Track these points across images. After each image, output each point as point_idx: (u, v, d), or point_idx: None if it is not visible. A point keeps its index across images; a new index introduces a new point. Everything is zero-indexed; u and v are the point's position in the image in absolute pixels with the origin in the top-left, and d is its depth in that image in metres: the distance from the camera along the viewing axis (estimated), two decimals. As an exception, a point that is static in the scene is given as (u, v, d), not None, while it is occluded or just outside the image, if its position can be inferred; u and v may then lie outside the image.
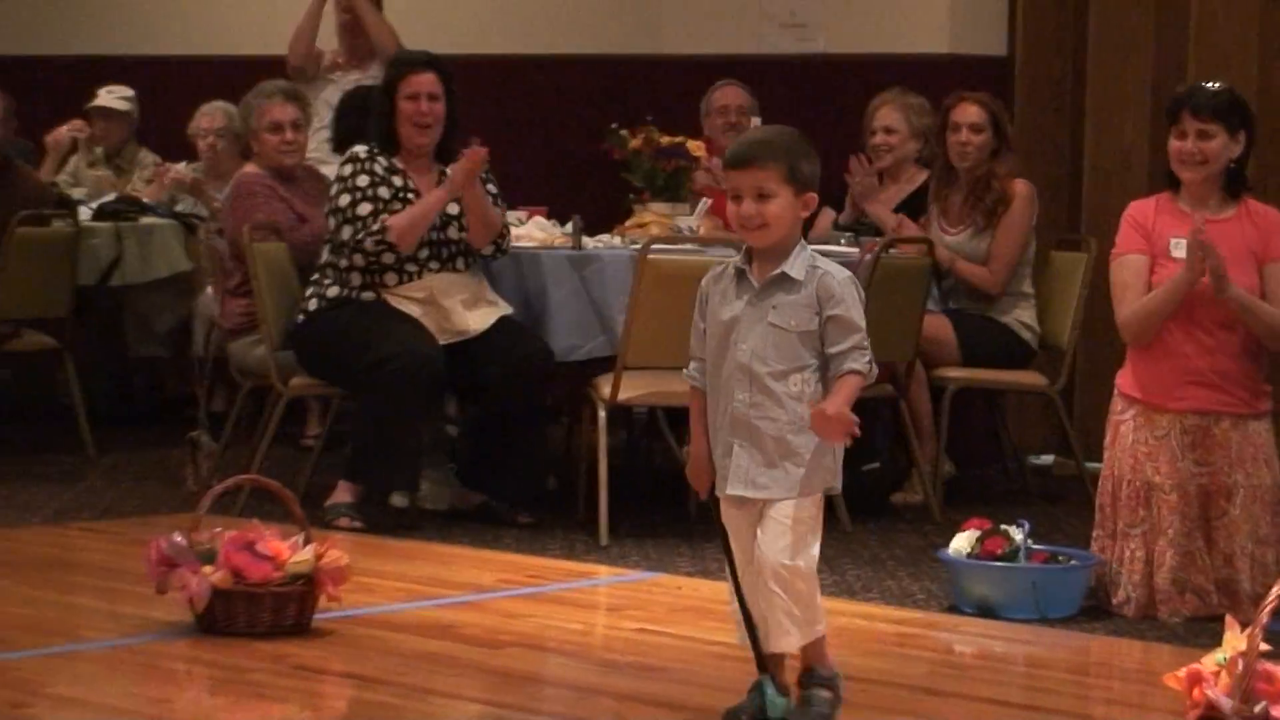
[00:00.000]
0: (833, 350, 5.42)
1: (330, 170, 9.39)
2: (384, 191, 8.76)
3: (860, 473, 9.18)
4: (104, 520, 8.87)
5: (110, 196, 11.03)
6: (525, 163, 9.13)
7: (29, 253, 10.00)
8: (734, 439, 5.46)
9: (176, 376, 11.36)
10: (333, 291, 8.85)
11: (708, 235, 9.17)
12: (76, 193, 11.14)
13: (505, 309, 8.85)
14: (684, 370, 5.66)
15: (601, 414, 8.59)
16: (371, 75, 10.86)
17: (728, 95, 10.39)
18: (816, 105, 10.70)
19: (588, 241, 9.12)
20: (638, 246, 8.75)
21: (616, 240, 9.23)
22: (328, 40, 11.37)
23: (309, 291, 8.93)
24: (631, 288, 8.55)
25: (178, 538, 6.89)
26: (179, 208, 11.00)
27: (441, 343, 8.64)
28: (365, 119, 9.07)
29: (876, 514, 9.09)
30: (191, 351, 10.88)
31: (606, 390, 8.58)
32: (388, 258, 8.75)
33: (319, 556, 6.85)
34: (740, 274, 5.49)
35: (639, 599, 7.68)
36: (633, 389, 8.65)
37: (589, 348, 8.83)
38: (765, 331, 5.43)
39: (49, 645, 6.83)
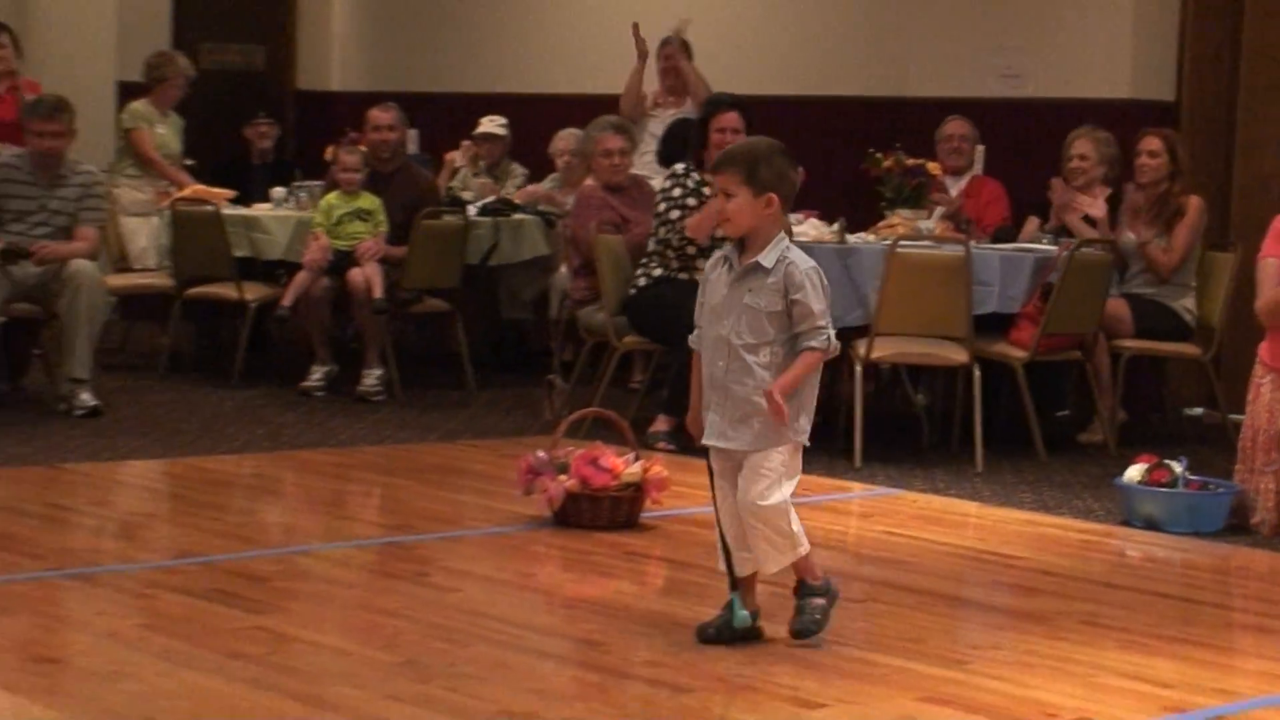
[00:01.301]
0: (796, 330, 5.21)
1: (657, 182, 9.54)
2: (692, 201, 8.88)
3: (1054, 418, 9.24)
4: (483, 439, 9.02)
5: (490, 199, 11.21)
6: (804, 177, 9.18)
7: (429, 239, 10.21)
8: (712, 398, 5.30)
9: (537, 334, 11.50)
10: (656, 272, 8.99)
11: (940, 235, 9.18)
12: (465, 195, 11.32)
13: (787, 287, 8.92)
14: (690, 337, 5.44)
15: (858, 368, 8.63)
16: (685, 110, 10.98)
17: (954, 126, 10.36)
18: (1026, 138, 10.66)
19: (850, 238, 9.17)
20: (888, 243, 8.80)
21: (871, 237, 9.25)
22: (649, 80, 11.48)
23: (638, 272, 9.07)
24: (883, 273, 8.61)
25: (541, 453, 7.06)
26: (540, 207, 11.15)
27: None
28: (684, 144, 9.20)
29: (1066, 450, 9.05)
30: (548, 315, 11.03)
31: (862, 350, 8.64)
32: (691, 249, 8.87)
33: (646, 470, 6.99)
34: (728, 261, 5.30)
35: (884, 509, 7.72)
36: (882, 349, 8.71)
37: (849, 318, 8.84)
38: (741, 310, 5.23)
39: (443, 530, 7.02)
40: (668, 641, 5.41)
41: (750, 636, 5.36)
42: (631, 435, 7.20)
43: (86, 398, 9.14)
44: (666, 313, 8.75)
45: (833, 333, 5.27)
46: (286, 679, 4.88)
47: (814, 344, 5.21)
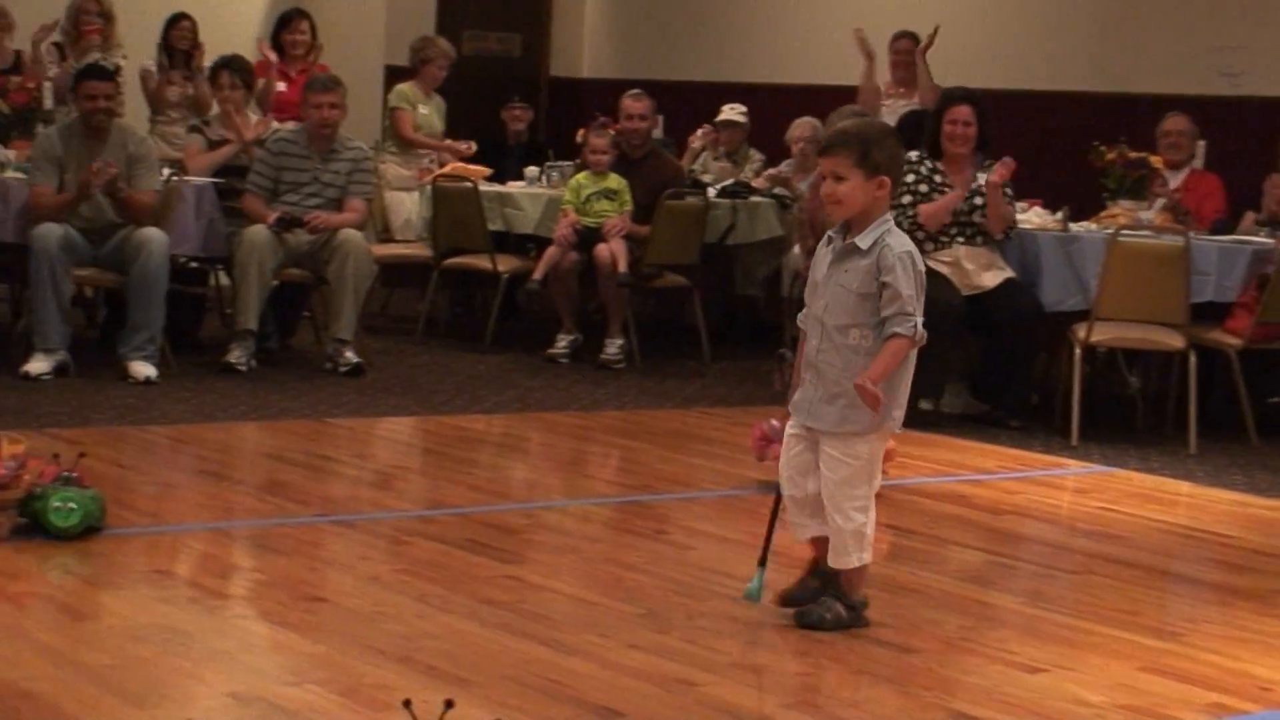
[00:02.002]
0: (883, 314, 4.83)
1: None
2: (923, 188, 8.77)
3: (1266, 404, 9.02)
4: (716, 408, 9.02)
5: (729, 182, 11.18)
6: (1029, 168, 9.04)
7: (671, 218, 10.19)
8: (806, 375, 4.97)
9: (768, 310, 11.47)
10: (886, 254, 8.91)
11: (1160, 225, 8.99)
12: (705, 178, 11.30)
13: (1010, 272, 8.79)
14: (799, 316, 5.11)
15: (1077, 351, 8.49)
16: (915, 102, 10.91)
17: (1174, 123, 10.10)
18: (1244, 134, 10.41)
19: (1073, 226, 9.02)
20: (1109, 232, 8.63)
21: (1093, 226, 9.10)
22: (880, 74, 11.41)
23: (870, 254, 9.00)
24: (1103, 261, 8.45)
25: (774, 422, 7.00)
26: (776, 190, 11.10)
27: (963, 294, 8.63)
28: (917, 133, 9.08)
29: (1278, 435, 8.83)
30: (780, 293, 10.99)
31: (1081, 334, 8.49)
32: (920, 234, 8.77)
33: (873, 441, 6.92)
34: (833, 241, 4.97)
35: (1100, 485, 7.57)
36: (1101, 334, 8.54)
37: (1069, 303, 8.74)
38: (836, 291, 4.89)
39: (679, 492, 7.02)
40: (893, 604, 5.36)
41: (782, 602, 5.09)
42: (861, 408, 7.13)
43: (350, 357, 9.27)
44: (895, 293, 8.70)
45: (920, 320, 4.86)
46: (535, 625, 4.90)
47: (901, 330, 4.81)
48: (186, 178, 9.44)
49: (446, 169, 10.86)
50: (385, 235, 11.14)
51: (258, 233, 9.22)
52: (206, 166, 9.83)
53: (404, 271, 11.39)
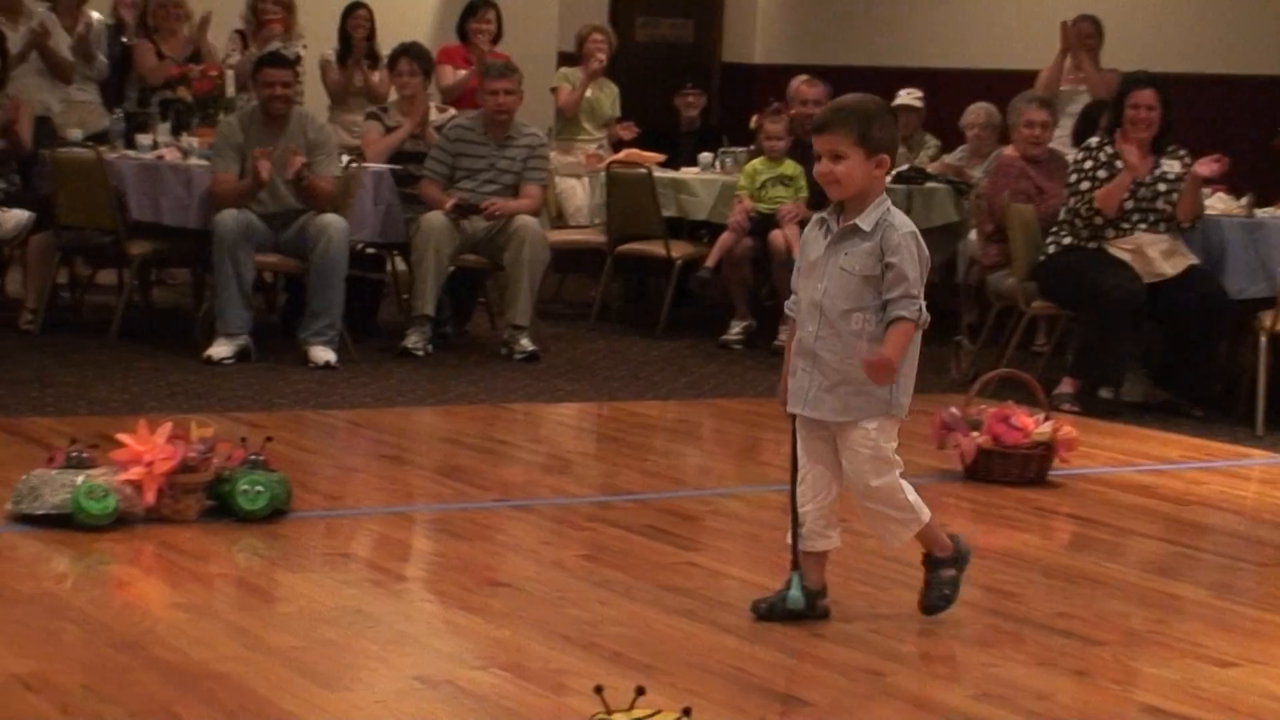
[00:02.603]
0: (886, 296, 4.60)
1: (1071, 155, 9.33)
2: (1102, 173, 8.63)
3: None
4: (892, 395, 8.95)
5: (904, 167, 11.08)
6: (1213, 153, 8.87)
7: (846, 204, 10.12)
8: (798, 363, 4.72)
9: (943, 297, 11.34)
10: (1066, 240, 8.77)
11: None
12: (881, 163, 11.20)
13: (1193, 259, 8.64)
14: (786, 303, 4.87)
15: (1262, 339, 8.31)
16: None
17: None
18: None
19: (1258, 212, 8.85)
20: (1296, 217, 8.48)
21: (1279, 212, 8.94)
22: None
23: (1048, 240, 8.87)
24: (1290, 247, 8.30)
25: (954, 410, 6.96)
26: (950, 177, 10.99)
27: (1145, 281, 8.49)
28: (1096, 122, 8.96)
29: None
30: (955, 279, 10.88)
31: (1267, 322, 8.31)
32: (1098, 220, 8.63)
33: (1055, 430, 6.84)
34: (826, 224, 4.70)
35: (1287, 477, 7.45)
36: (1287, 322, 8.38)
37: (1253, 290, 8.57)
38: (836, 274, 4.62)
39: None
40: (1077, 595, 5.29)
41: (807, 616, 4.81)
42: (1043, 396, 7.04)
43: (526, 343, 9.31)
44: (1074, 280, 8.60)
45: (924, 304, 4.67)
46: (717, 612, 4.89)
47: (905, 313, 4.60)
48: (365, 164, 9.53)
49: (620, 155, 10.87)
50: (559, 221, 11.18)
51: (435, 219, 9.29)
52: (383, 151, 9.92)
53: (576, 257, 11.43)
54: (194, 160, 9.18)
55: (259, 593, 4.96)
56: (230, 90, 10.07)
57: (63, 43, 10.21)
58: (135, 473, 5.46)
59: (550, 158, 11.05)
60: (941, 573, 4.88)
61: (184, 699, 3.97)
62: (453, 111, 10.43)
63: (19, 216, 7.87)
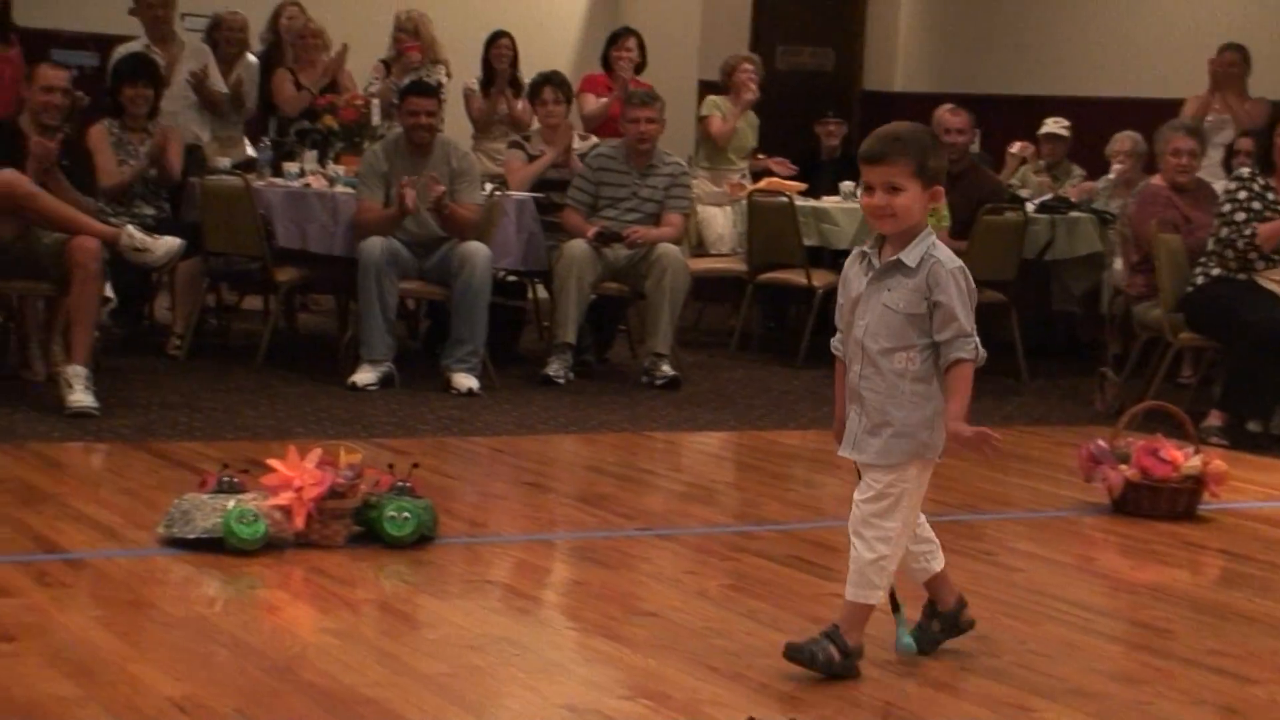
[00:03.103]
0: (939, 338, 4.39)
1: (1220, 185, 9.22)
2: (1257, 205, 8.53)
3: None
4: (1035, 426, 8.88)
5: (1047, 196, 11.02)
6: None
7: (990, 234, 10.05)
8: (851, 406, 4.54)
9: (1085, 327, 11.27)
10: (1215, 271, 8.67)
11: None
12: (1023, 193, 11.14)
13: (1345, 291, 8.51)
14: (831, 341, 4.68)
15: None
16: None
17: None
18: None
19: None
20: None
21: None
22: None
23: (1196, 270, 8.77)
24: None
25: (1101, 442, 6.88)
26: (1095, 204, 10.90)
27: (1296, 313, 8.38)
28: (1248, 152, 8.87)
29: None
30: (1099, 309, 10.78)
31: None
32: (1253, 254, 8.51)
33: (1205, 463, 6.74)
34: (868, 257, 4.49)
35: None
36: None
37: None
38: (879, 311, 4.41)
39: (999, 511, 6.93)
40: (1229, 631, 5.20)
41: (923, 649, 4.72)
42: (1191, 429, 6.94)
43: (667, 370, 9.32)
44: (1223, 311, 8.48)
45: (978, 341, 4.43)
46: (866, 645, 4.84)
47: (964, 355, 4.38)
48: (508, 192, 9.58)
49: (762, 184, 10.87)
50: (699, 249, 11.19)
51: (577, 247, 9.33)
52: (527, 179, 9.98)
53: (716, 285, 11.43)
54: (339, 188, 9.28)
55: (406, 619, 4.99)
56: (375, 119, 10.17)
57: (216, 75, 10.35)
58: (285, 498, 5.52)
59: (697, 185, 11.08)
60: (831, 648, 4.53)
61: (335, 724, 4.00)
62: (595, 139, 10.48)
63: (169, 243, 7.98)
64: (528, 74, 10.91)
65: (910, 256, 4.40)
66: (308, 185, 9.36)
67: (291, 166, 9.73)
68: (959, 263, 4.44)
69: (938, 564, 4.78)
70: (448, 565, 5.57)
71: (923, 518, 4.70)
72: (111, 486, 6.44)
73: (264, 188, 9.38)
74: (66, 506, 6.01)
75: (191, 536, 5.45)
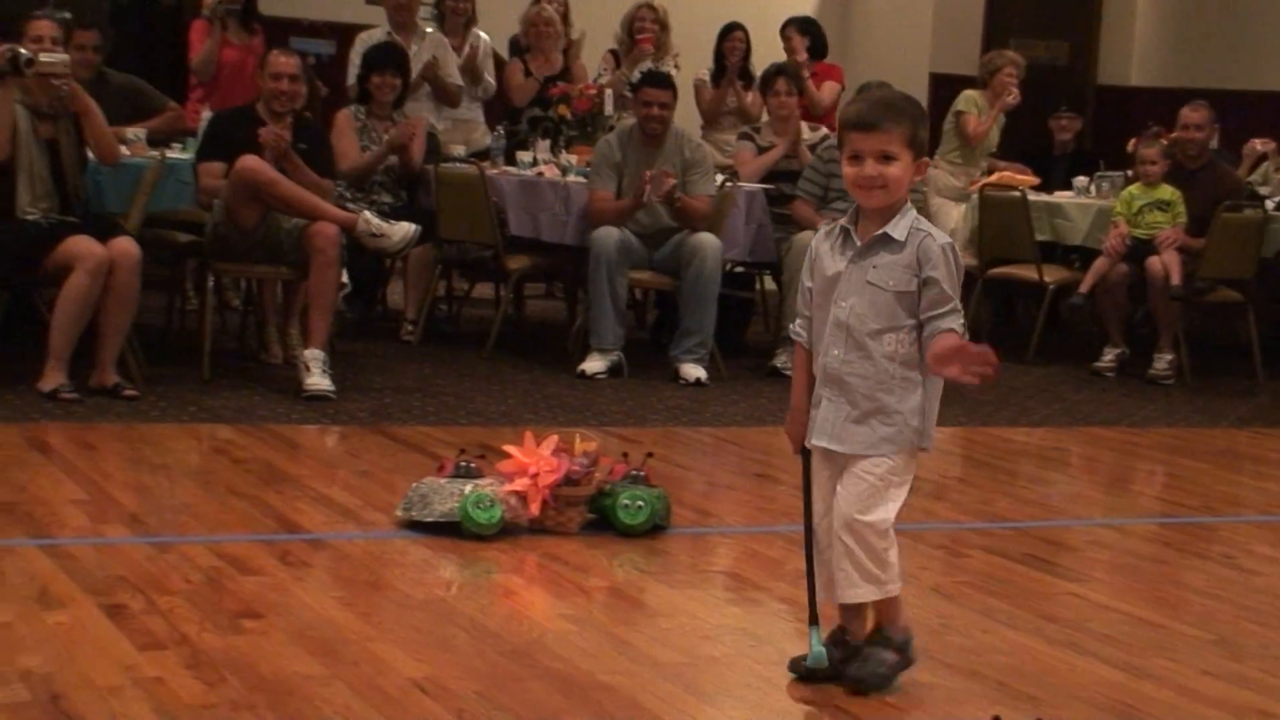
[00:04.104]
0: (928, 314, 4.07)
1: None
2: None
3: None
4: (1273, 429, 8.70)
5: (1291, 194, 10.79)
6: None
7: (1228, 232, 9.85)
8: (824, 392, 4.20)
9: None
10: None
11: None
12: (1263, 190, 10.90)
13: None
14: (789, 327, 4.40)
15: None
16: None
17: None
18: None
19: None
20: None
21: None
22: None
23: None
24: None
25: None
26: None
27: None
28: None
29: None
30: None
31: None
32: None
33: None
34: (846, 233, 4.19)
35: None
36: None
37: None
38: (864, 290, 4.11)
39: (1236, 514, 6.81)
40: None
41: (834, 676, 4.30)
42: None
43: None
44: None
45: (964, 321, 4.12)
46: (1101, 645, 4.78)
47: (954, 326, 4.06)
48: (739, 184, 9.58)
49: (994, 178, 10.76)
50: (928, 242, 11.07)
51: (807, 239, 9.27)
52: (757, 171, 9.97)
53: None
54: (571, 177, 9.34)
55: (640, 607, 5.00)
56: (608, 108, 10.21)
57: (452, 65, 10.47)
58: (521, 484, 5.57)
59: (937, 177, 10.99)
60: (883, 652, 4.31)
61: (574, 710, 4.02)
62: (825, 130, 10.43)
63: (406, 229, 8.09)
64: (759, 65, 10.89)
65: (897, 230, 4.12)
66: (540, 174, 9.44)
67: (524, 155, 9.81)
68: (948, 239, 4.16)
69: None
70: (680, 554, 5.59)
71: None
72: (349, 468, 6.53)
73: (497, 176, 9.47)
74: (306, 488, 6.12)
75: (429, 520, 5.53)
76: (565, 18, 11.02)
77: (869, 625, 4.36)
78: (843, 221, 4.22)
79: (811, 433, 4.25)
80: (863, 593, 4.23)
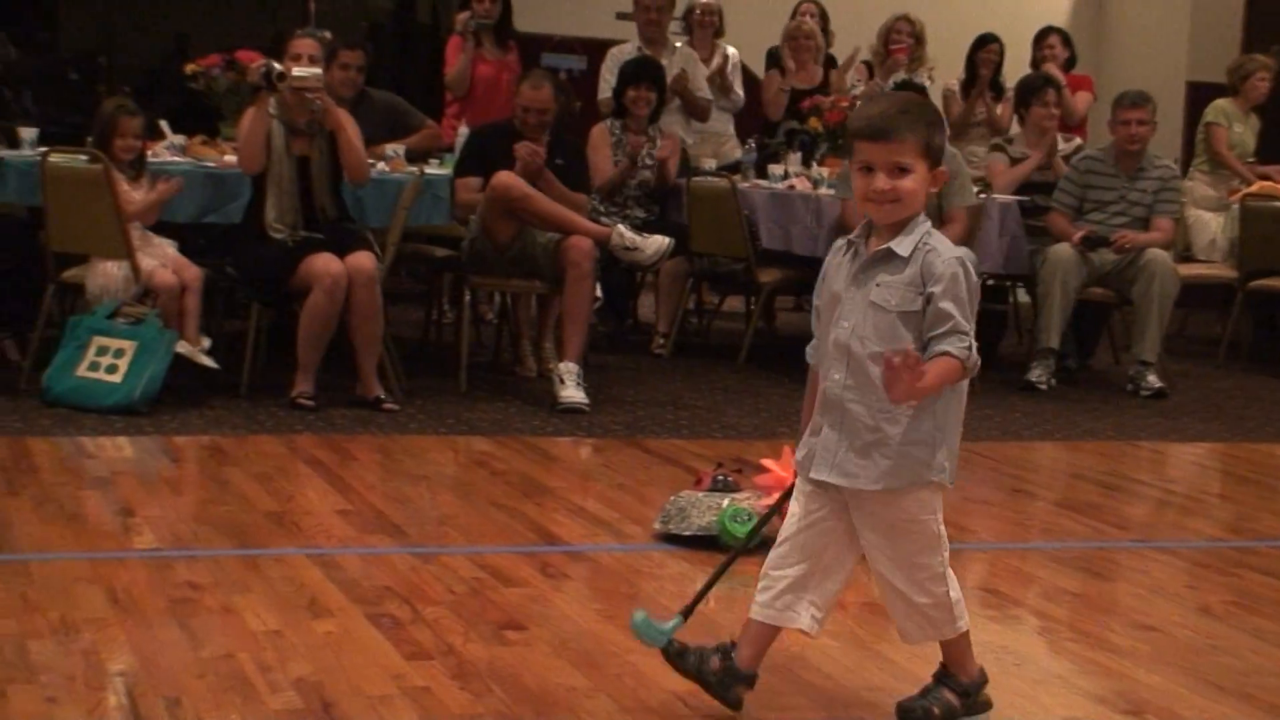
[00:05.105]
0: (930, 334, 3.71)
1: None
2: None
3: None
4: None
5: None
6: None
7: None
8: (824, 420, 3.86)
9: None
10: None
11: None
12: None
13: None
14: (807, 349, 4.00)
15: None
16: None
17: None
18: None
19: None
20: None
21: None
22: None
23: None
24: None
25: None
26: None
27: None
28: None
29: None
30: None
31: None
32: None
33: None
34: (854, 248, 3.86)
35: None
36: None
37: None
38: (866, 310, 3.76)
39: None
40: None
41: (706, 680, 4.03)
42: None
43: (1153, 380, 9.08)
44: None
45: (975, 345, 3.73)
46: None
47: (951, 349, 3.68)
48: (992, 195, 9.47)
49: (1254, 187, 10.50)
50: (1187, 254, 10.87)
51: (1063, 251, 9.16)
52: (1012, 183, 9.85)
53: (1201, 292, 11.09)
54: (823, 190, 9.31)
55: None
56: (859, 122, 10.15)
57: (701, 79, 10.50)
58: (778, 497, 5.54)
59: (1194, 188, 10.77)
60: (945, 692, 4.05)
61: (836, 725, 4.01)
62: (1079, 141, 10.28)
63: (659, 242, 8.13)
64: (1008, 78, 10.77)
65: (903, 246, 3.77)
66: (792, 187, 9.42)
67: (776, 169, 9.80)
68: (960, 252, 3.78)
69: (785, 620, 4.02)
70: (939, 570, 5.52)
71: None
72: (604, 481, 6.58)
73: (749, 189, 9.47)
74: (563, 499, 6.17)
75: (687, 534, 5.54)
76: (825, 30, 11.01)
77: (974, 667, 4.09)
78: (853, 236, 3.89)
79: (811, 464, 3.91)
80: (931, 631, 3.98)
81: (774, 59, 11.08)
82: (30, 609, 4.55)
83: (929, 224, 3.82)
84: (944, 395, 3.79)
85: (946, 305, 3.69)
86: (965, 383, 3.84)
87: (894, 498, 3.83)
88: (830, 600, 4.00)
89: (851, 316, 3.80)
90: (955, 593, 3.93)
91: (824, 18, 11.16)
